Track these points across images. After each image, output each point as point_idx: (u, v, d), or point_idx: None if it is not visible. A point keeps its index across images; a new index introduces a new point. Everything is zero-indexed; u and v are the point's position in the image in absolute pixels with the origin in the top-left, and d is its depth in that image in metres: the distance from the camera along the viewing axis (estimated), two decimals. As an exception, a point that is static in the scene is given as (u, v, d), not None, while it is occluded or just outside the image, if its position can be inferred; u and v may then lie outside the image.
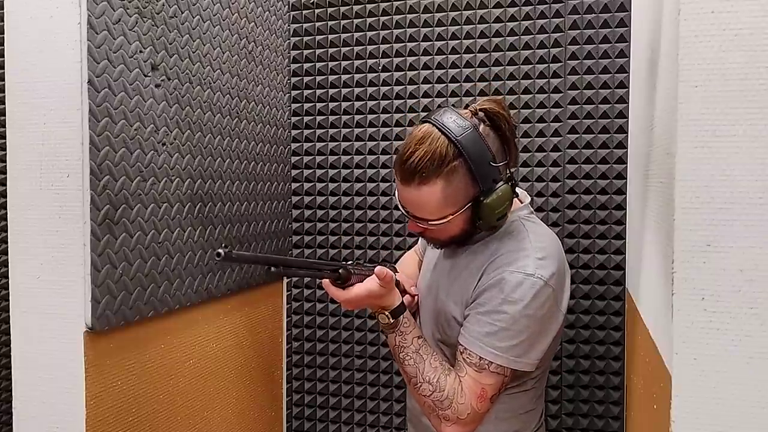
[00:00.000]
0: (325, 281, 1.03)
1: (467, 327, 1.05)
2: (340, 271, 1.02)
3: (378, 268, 1.02)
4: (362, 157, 1.77)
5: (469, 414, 1.02)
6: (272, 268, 0.93)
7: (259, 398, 1.70)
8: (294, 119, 1.84)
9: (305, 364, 1.86)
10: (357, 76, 1.76)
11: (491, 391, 1.03)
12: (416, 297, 1.25)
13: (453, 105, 1.62)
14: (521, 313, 0.99)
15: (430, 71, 1.70)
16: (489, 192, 1.00)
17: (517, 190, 1.11)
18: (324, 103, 1.81)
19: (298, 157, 1.84)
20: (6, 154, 1.10)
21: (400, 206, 1.10)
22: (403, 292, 1.23)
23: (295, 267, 0.98)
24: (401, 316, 1.06)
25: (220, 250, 0.82)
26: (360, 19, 1.75)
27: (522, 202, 1.17)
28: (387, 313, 1.05)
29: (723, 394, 0.63)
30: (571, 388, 1.61)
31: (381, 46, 1.74)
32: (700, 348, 0.64)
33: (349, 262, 1.07)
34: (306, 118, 1.83)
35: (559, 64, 1.59)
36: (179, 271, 1.30)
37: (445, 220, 1.02)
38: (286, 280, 1.85)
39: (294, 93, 1.83)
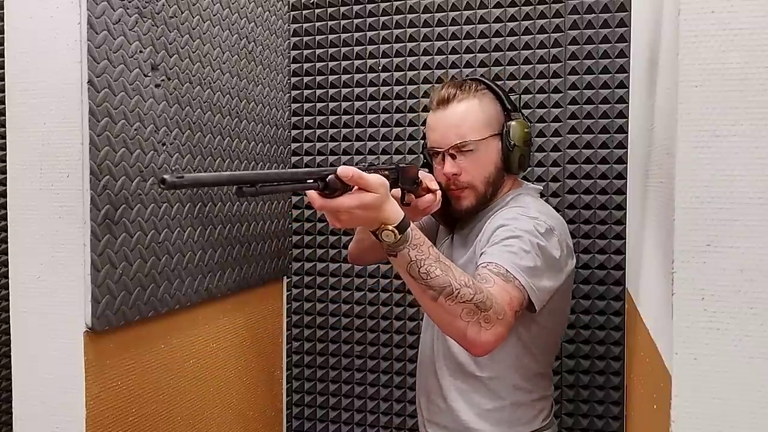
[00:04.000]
0: (312, 193, 0.86)
1: (487, 252, 1.07)
2: (328, 179, 0.84)
3: (341, 168, 0.85)
4: (362, 157, 1.77)
5: (505, 315, 0.96)
6: (244, 188, 0.76)
7: (259, 398, 1.70)
8: (294, 119, 1.84)
9: (305, 364, 1.86)
10: (357, 76, 1.76)
11: (516, 304, 0.99)
12: (437, 193, 1.20)
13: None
14: (533, 241, 1.07)
15: (430, 71, 1.70)
16: (514, 118, 1.20)
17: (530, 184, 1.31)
18: (324, 103, 1.81)
19: (298, 157, 1.84)
20: (6, 154, 1.10)
21: (427, 155, 1.24)
22: (426, 189, 1.19)
23: (273, 182, 0.80)
24: (409, 228, 0.91)
25: (166, 176, 0.64)
26: (360, 19, 1.75)
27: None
28: (391, 227, 0.89)
29: (723, 394, 0.63)
30: (571, 388, 1.61)
31: (381, 46, 1.74)
32: (700, 348, 0.64)
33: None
34: (306, 118, 1.83)
35: (559, 64, 1.59)
36: (179, 271, 1.30)
37: (485, 137, 1.17)
38: (286, 280, 1.84)
39: (294, 93, 1.83)
